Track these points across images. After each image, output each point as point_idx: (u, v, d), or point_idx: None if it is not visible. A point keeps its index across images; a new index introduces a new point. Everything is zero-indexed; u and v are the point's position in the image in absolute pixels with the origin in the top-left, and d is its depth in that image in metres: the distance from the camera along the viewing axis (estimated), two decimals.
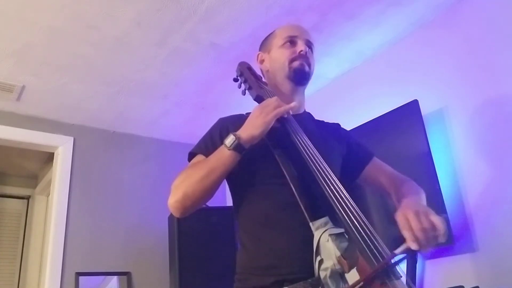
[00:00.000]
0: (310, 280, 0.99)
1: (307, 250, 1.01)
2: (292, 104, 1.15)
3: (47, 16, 2.04)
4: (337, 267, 0.95)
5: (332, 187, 1.01)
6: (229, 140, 1.09)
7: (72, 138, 3.08)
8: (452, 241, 1.85)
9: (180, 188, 1.12)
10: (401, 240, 0.90)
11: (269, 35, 1.37)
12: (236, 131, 1.11)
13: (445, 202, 1.89)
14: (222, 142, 1.12)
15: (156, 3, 2.00)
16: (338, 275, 0.98)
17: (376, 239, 0.91)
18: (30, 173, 4.22)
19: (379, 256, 0.88)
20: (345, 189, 1.01)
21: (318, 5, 2.10)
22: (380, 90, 2.44)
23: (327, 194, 1.00)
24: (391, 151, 2.12)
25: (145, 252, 3.06)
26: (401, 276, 0.88)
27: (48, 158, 3.68)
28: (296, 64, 1.25)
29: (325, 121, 1.40)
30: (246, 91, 1.28)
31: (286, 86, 1.27)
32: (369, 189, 1.41)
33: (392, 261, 0.87)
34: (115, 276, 2.95)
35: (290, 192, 1.08)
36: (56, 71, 2.49)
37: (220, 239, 2.75)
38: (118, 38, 2.24)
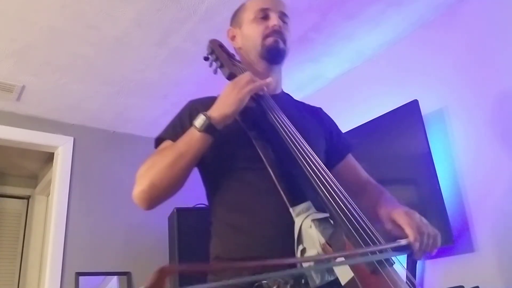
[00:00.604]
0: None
1: (287, 238, 0.92)
2: (268, 80, 1.05)
3: (47, 16, 2.04)
4: None
5: (314, 168, 0.92)
6: (199, 120, 0.99)
7: (72, 138, 3.08)
8: (452, 241, 1.85)
9: (146, 177, 1.01)
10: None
11: (239, 7, 1.25)
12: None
13: (445, 202, 1.89)
14: (192, 125, 1.01)
15: (156, 3, 2.00)
16: (320, 255, 0.89)
17: (365, 222, 0.85)
18: (30, 173, 4.22)
19: (368, 240, 0.81)
20: (329, 171, 0.94)
21: (318, 5, 2.10)
22: (380, 90, 2.44)
23: (309, 175, 0.92)
24: (391, 151, 2.12)
25: (145, 252, 3.06)
26: (394, 263, 0.84)
27: (48, 158, 3.68)
28: (269, 41, 1.14)
29: (306, 103, 1.30)
30: (218, 69, 1.17)
31: (260, 64, 1.16)
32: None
33: (386, 249, 0.82)
34: (115, 276, 2.95)
35: (268, 177, 0.99)
36: (56, 71, 2.49)
37: None
38: (118, 38, 2.24)
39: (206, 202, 1.16)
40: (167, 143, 1.10)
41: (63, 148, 3.03)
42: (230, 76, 1.11)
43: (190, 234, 2.66)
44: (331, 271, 0.87)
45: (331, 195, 0.88)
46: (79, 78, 2.58)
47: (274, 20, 1.16)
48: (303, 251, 0.89)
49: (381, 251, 0.81)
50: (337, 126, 1.29)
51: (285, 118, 1.03)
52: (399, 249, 0.85)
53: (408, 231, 0.86)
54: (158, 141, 1.14)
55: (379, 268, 0.79)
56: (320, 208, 0.93)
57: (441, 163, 2.01)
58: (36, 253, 3.85)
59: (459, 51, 2.10)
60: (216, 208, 1.09)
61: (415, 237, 0.85)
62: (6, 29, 2.12)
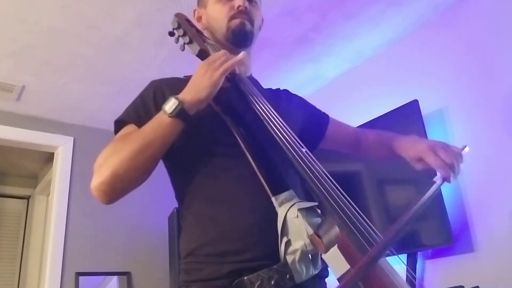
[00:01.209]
0: (275, 267, 0.81)
1: (270, 230, 0.84)
2: (241, 55, 0.94)
3: (47, 16, 2.04)
4: (309, 248, 0.79)
5: (299, 151, 0.85)
6: (170, 105, 0.88)
7: (72, 138, 3.08)
8: (452, 241, 1.85)
9: (107, 166, 0.89)
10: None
11: None
12: (176, 95, 0.90)
13: (445, 202, 1.89)
14: (156, 108, 0.92)
15: (156, 3, 2.00)
16: (309, 258, 0.82)
17: (357, 210, 0.78)
18: (30, 173, 4.22)
19: (363, 230, 0.75)
20: (314, 148, 0.91)
21: (318, 5, 2.10)
22: (380, 90, 2.44)
23: (293, 160, 0.84)
24: None
25: (145, 252, 3.06)
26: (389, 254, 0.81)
27: (48, 158, 3.68)
28: (235, 23, 1.05)
29: (272, 88, 1.23)
30: (186, 46, 1.07)
31: (227, 48, 1.04)
32: (333, 150, 1.23)
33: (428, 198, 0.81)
34: (115, 276, 2.95)
35: (247, 164, 0.90)
36: (56, 71, 2.49)
37: None
38: (118, 38, 2.24)
39: None
40: (129, 127, 0.99)
41: (63, 148, 3.03)
42: (201, 53, 1.02)
43: None
44: (315, 265, 0.83)
45: (320, 181, 0.81)
46: (79, 78, 2.58)
47: (237, 1, 1.06)
48: (288, 243, 0.82)
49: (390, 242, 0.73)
50: (308, 102, 1.25)
51: (265, 100, 0.95)
52: (437, 190, 0.87)
53: (441, 171, 0.91)
54: (118, 124, 1.03)
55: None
56: (303, 197, 0.87)
57: None
58: (36, 253, 3.85)
59: (459, 51, 2.10)
60: (188, 199, 0.98)
61: (447, 174, 0.90)
62: (6, 29, 2.12)
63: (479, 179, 1.93)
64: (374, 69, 2.54)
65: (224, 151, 0.96)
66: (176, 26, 1.11)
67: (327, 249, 0.77)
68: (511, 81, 1.88)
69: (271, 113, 0.92)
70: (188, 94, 0.90)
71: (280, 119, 0.91)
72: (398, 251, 0.83)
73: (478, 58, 2.01)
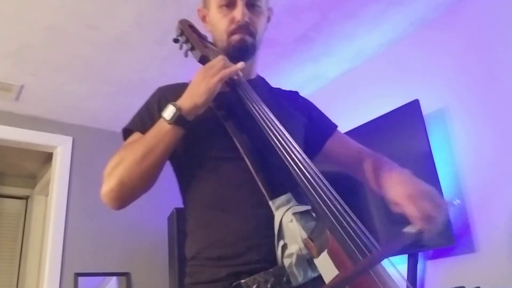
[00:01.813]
0: (272, 270, 0.84)
1: (267, 234, 0.86)
2: (239, 65, 0.95)
3: (46, 16, 2.03)
4: (304, 252, 0.80)
5: (294, 156, 0.85)
6: (168, 112, 0.91)
7: (71, 138, 3.07)
8: (453, 241, 1.85)
9: (114, 175, 0.92)
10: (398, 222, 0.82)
11: None
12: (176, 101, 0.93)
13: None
14: (161, 113, 0.94)
15: (156, 3, 1.99)
16: (306, 262, 0.82)
17: (349, 215, 0.78)
18: (29, 173, 4.21)
19: (353, 235, 0.75)
20: (310, 159, 0.88)
21: (319, 4, 2.09)
22: (381, 90, 2.44)
23: (288, 164, 0.85)
24: (391, 151, 2.11)
25: (145, 253, 3.05)
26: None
27: (47, 158, 3.67)
28: (234, 39, 1.04)
29: (282, 88, 1.23)
30: (189, 52, 1.10)
31: (227, 56, 1.03)
32: (332, 166, 1.18)
33: (387, 252, 0.75)
34: (114, 277, 2.94)
35: (244, 168, 0.92)
36: (55, 71, 2.48)
37: None
38: (118, 38, 2.23)
39: None
40: (135, 135, 1.02)
41: (62, 148, 3.02)
42: (202, 59, 1.04)
43: None
44: (314, 268, 0.82)
45: (313, 186, 0.81)
46: (78, 77, 2.57)
47: (238, 13, 1.03)
48: (284, 247, 0.83)
49: (383, 256, 0.74)
50: (316, 108, 1.22)
51: (262, 104, 0.95)
52: (409, 239, 0.79)
53: (416, 222, 0.80)
54: (125, 132, 1.05)
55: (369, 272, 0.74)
56: (301, 200, 0.88)
57: (442, 163, 2.00)
58: (35, 254, 3.84)
59: (460, 51, 2.09)
60: (190, 204, 1.01)
61: (423, 228, 0.79)
62: (5, 28, 2.11)
63: (480, 179, 1.92)
64: (375, 69, 2.54)
65: (222, 154, 0.97)
66: (179, 33, 1.13)
67: (318, 253, 0.77)
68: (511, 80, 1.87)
69: (269, 118, 0.92)
70: (186, 100, 0.92)
71: (277, 124, 0.92)
72: (399, 251, 0.81)
73: (479, 58, 2.01)
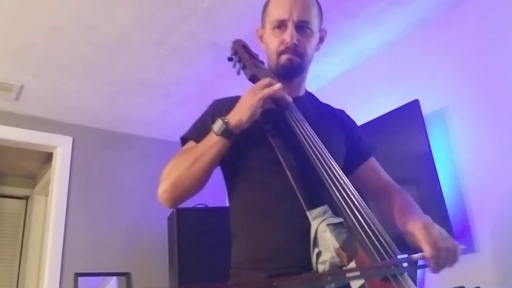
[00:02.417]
0: (306, 274, 0.92)
1: (304, 241, 0.94)
2: (277, 86, 1.03)
3: (47, 16, 2.03)
4: (336, 260, 0.87)
5: (331, 174, 0.94)
6: (217, 125, 1.03)
7: (71, 138, 3.07)
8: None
9: (169, 178, 1.06)
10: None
11: (265, 5, 1.22)
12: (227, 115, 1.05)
13: (446, 202, 1.88)
14: (212, 126, 1.05)
15: (156, 3, 1.99)
16: (338, 269, 0.90)
17: (379, 231, 0.85)
18: (29, 173, 4.21)
19: (381, 249, 0.82)
20: (346, 177, 0.95)
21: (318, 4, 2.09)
22: (381, 90, 2.44)
23: (325, 181, 0.93)
24: (392, 151, 2.11)
25: (145, 253, 3.05)
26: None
27: (47, 158, 3.67)
28: (283, 59, 1.13)
29: (330, 105, 1.31)
30: (241, 70, 1.19)
31: (278, 75, 1.14)
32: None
33: (401, 264, 0.82)
34: (115, 277, 2.94)
35: (286, 180, 1.01)
36: (55, 71, 2.48)
37: (219, 239, 2.73)
38: (118, 38, 2.23)
39: (206, 203, 1.16)
40: (190, 144, 1.14)
41: (62, 148, 3.02)
42: (252, 78, 1.13)
43: (189, 234, 2.66)
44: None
45: (346, 202, 0.90)
46: (78, 77, 2.57)
47: (287, 36, 1.12)
48: (319, 254, 0.91)
49: (396, 265, 0.82)
50: (358, 130, 1.30)
51: (304, 122, 1.04)
52: (415, 264, 0.86)
53: (425, 247, 0.87)
54: (183, 140, 1.18)
55: (389, 276, 0.81)
56: (336, 212, 0.95)
57: (442, 163, 2.00)
58: (35, 254, 3.84)
59: (460, 51, 2.09)
60: (235, 210, 1.12)
61: (431, 254, 0.85)
62: (5, 28, 2.11)
63: (480, 179, 1.92)
64: (375, 68, 2.54)
65: (265, 166, 1.07)
66: (233, 52, 1.24)
67: (348, 262, 0.86)
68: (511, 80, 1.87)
69: (310, 136, 1.01)
70: (233, 115, 1.04)
71: (318, 142, 1.00)
72: (399, 251, 0.85)
73: (479, 57, 2.01)
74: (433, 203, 1.93)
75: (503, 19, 1.94)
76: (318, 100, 1.28)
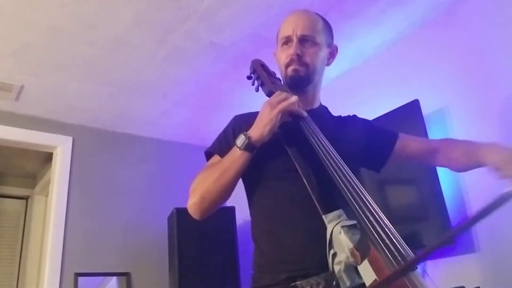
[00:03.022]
0: (323, 275, 0.98)
1: (320, 244, 1.00)
2: (293, 98, 1.12)
3: (47, 16, 2.04)
4: (351, 260, 0.93)
5: (344, 178, 1.00)
6: (240, 140, 1.11)
7: (71, 138, 3.07)
8: (453, 241, 1.85)
9: (197, 191, 1.14)
10: None
11: (279, 26, 1.33)
12: (248, 129, 1.13)
13: (446, 202, 1.88)
14: (235, 141, 1.13)
15: (155, 3, 1.99)
16: (353, 269, 0.95)
17: (390, 230, 0.90)
18: (29, 173, 4.21)
19: (392, 247, 0.87)
20: (359, 182, 1.01)
21: (318, 4, 2.09)
22: (381, 90, 2.44)
23: (338, 185, 0.99)
24: None
25: (145, 253, 3.05)
26: (417, 267, 0.88)
27: (47, 158, 3.67)
28: (290, 70, 1.23)
29: (342, 115, 1.40)
30: (259, 87, 1.29)
31: (289, 87, 1.25)
32: (409, 163, 1.44)
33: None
34: (114, 277, 2.94)
35: (302, 186, 1.07)
36: (55, 71, 2.48)
37: (220, 239, 2.74)
38: (118, 38, 2.23)
39: None
40: (215, 158, 1.23)
41: (62, 148, 3.02)
42: (270, 94, 1.20)
43: (189, 234, 2.66)
44: (360, 276, 0.94)
45: (359, 205, 0.95)
46: (78, 77, 2.57)
47: (291, 49, 1.22)
48: (334, 255, 0.96)
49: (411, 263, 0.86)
50: (373, 124, 1.37)
51: (319, 132, 1.11)
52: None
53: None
54: (207, 155, 1.27)
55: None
56: (350, 216, 1.00)
57: None
58: (35, 254, 3.84)
59: (459, 51, 2.09)
60: (254, 216, 1.20)
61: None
62: (5, 28, 2.11)
63: (480, 179, 1.91)
64: (375, 69, 2.54)
65: (283, 174, 1.15)
66: (252, 70, 1.33)
67: (362, 261, 0.91)
68: (511, 80, 1.87)
69: (325, 145, 1.07)
70: (254, 130, 1.12)
71: (333, 151, 1.06)
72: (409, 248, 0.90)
73: (479, 58, 2.01)
74: (433, 203, 1.93)
75: (502, 20, 1.94)
76: (331, 113, 1.37)
